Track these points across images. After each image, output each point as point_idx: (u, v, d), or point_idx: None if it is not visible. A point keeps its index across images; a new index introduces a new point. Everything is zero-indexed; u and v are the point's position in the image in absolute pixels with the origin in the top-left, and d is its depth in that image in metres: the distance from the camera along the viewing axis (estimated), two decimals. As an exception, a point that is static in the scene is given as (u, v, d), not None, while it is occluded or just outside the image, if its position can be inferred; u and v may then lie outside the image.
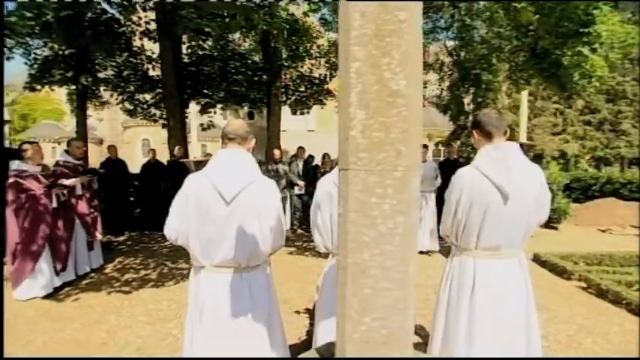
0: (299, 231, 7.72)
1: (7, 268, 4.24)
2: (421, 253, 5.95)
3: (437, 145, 23.55)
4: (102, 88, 9.93)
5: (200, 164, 2.18)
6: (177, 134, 8.34)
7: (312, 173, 7.63)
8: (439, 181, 6.07)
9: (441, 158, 14.63)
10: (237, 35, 10.29)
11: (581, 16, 5.07)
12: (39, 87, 9.10)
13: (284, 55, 10.00)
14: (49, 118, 22.88)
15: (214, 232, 1.82)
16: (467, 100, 12.19)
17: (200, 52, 10.07)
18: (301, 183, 7.61)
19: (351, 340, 0.83)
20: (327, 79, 11.54)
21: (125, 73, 9.81)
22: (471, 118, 12.12)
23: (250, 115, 22.56)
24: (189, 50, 9.99)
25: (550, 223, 8.31)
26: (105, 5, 7.88)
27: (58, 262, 4.27)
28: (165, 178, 7.35)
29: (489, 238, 1.93)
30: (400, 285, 0.81)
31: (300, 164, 7.95)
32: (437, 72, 12.20)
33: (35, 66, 8.81)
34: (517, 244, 1.98)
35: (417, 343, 3.01)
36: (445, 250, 5.46)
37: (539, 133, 18.83)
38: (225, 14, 6.56)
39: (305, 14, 7.50)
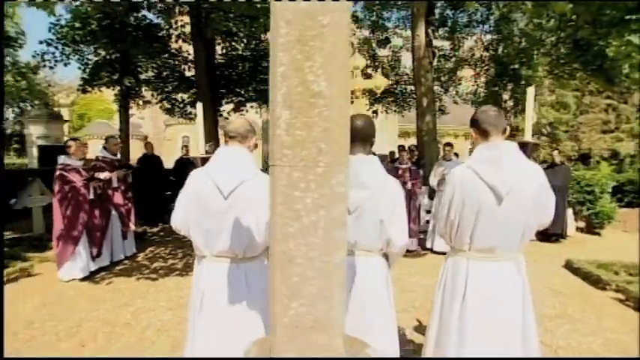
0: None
1: (53, 251, 4.74)
2: (443, 254, 5.79)
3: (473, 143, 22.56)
4: (143, 89, 10.65)
5: (205, 161, 2.33)
6: (210, 132, 8.75)
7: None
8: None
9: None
10: (268, 36, 10.52)
11: (626, 2, 4.63)
12: (90, 89, 9.99)
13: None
14: (102, 117, 24.73)
15: (214, 223, 1.95)
16: (505, 96, 11.58)
17: (233, 53, 10.44)
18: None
19: (282, 323, 0.89)
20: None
21: (164, 74, 10.44)
22: (509, 115, 11.47)
23: (283, 114, 22.93)
24: (224, 51, 10.40)
25: (592, 229, 7.71)
26: (144, 11, 8.46)
27: (94, 248, 4.71)
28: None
29: (482, 239, 1.88)
30: (323, 274, 0.87)
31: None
32: (472, 67, 11.70)
33: (87, 70, 9.69)
34: (513, 246, 1.90)
35: (419, 343, 2.98)
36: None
37: (585, 132, 17.25)
38: (252, 16, 6.79)
39: None
